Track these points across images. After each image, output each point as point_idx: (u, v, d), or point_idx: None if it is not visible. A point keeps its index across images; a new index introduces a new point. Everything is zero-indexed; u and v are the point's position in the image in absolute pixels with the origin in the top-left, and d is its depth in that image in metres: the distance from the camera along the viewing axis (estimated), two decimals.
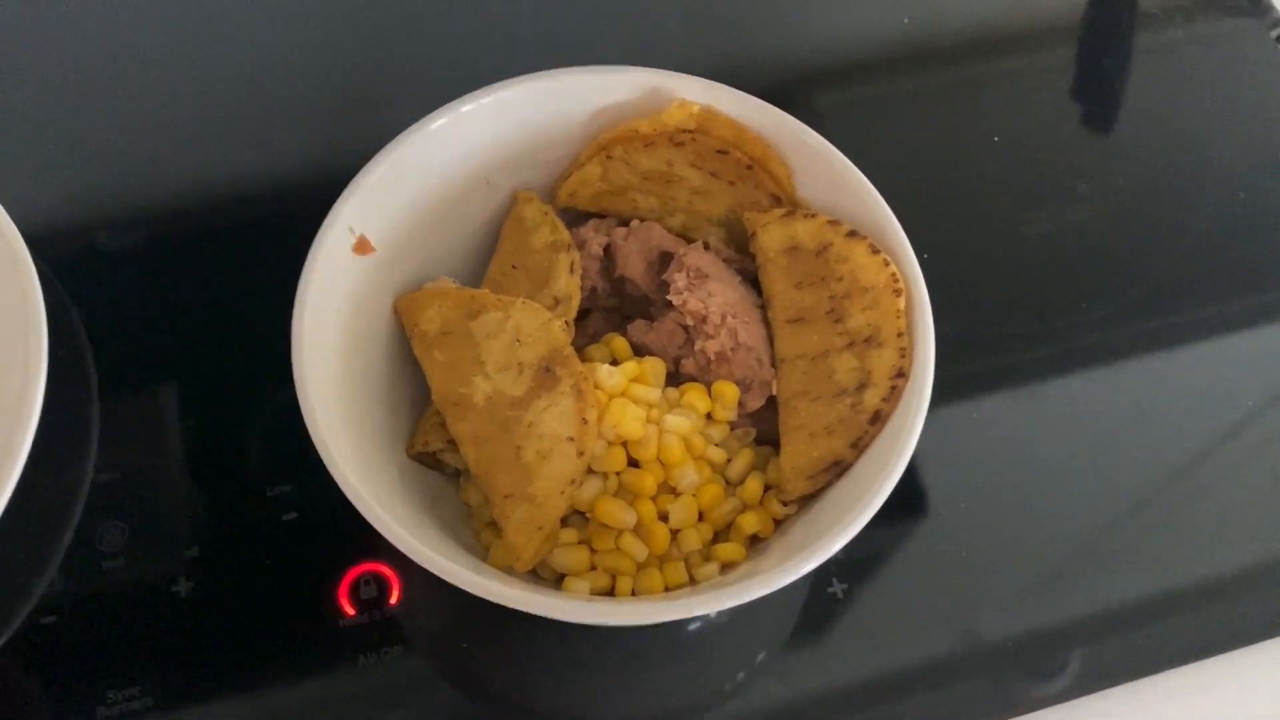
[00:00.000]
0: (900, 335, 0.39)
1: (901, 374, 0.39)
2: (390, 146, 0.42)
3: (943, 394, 0.39)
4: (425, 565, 0.35)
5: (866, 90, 0.60)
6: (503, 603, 0.35)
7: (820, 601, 0.45)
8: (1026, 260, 0.54)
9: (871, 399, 0.39)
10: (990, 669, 0.44)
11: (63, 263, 0.50)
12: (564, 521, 0.41)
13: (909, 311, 0.40)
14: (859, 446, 0.39)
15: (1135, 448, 0.49)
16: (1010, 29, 0.63)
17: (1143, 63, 0.63)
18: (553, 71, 0.44)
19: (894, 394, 0.39)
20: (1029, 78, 0.61)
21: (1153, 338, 0.53)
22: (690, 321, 0.42)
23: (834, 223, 0.42)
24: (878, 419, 0.39)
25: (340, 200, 0.41)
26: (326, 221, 0.41)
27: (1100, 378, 0.51)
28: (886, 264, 0.40)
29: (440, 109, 0.43)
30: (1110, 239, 0.55)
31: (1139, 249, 0.55)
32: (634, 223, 0.46)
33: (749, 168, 0.44)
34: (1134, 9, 0.65)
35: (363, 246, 0.42)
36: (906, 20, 0.62)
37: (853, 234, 0.41)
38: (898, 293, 0.40)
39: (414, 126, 0.42)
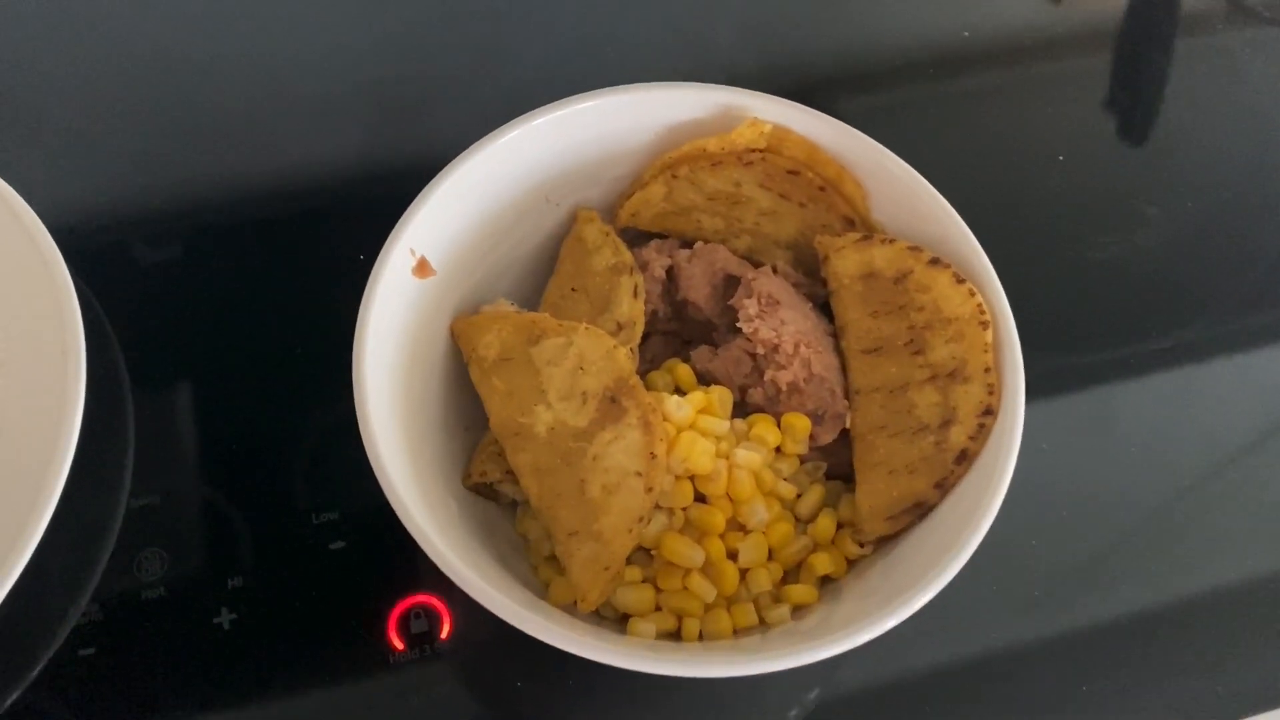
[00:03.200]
0: (988, 370, 0.38)
1: (990, 411, 0.37)
2: (453, 164, 0.40)
3: None
4: (492, 608, 0.34)
5: (925, 107, 0.58)
6: (574, 651, 0.33)
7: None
8: (1092, 285, 0.53)
9: (957, 437, 0.37)
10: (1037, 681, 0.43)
11: (98, 275, 0.48)
12: (628, 558, 0.39)
13: (996, 345, 0.38)
14: (943, 487, 0.37)
15: (1198, 474, 0.48)
16: (1076, 44, 0.61)
17: (1190, 74, 0.61)
18: (620, 88, 0.42)
19: (981, 432, 0.37)
20: (1094, 94, 0.59)
21: (1220, 366, 0.51)
22: (761, 350, 0.40)
23: (915, 249, 0.40)
24: (964, 458, 0.37)
25: (402, 221, 0.39)
26: (388, 243, 0.39)
27: (1164, 404, 0.50)
28: (972, 294, 0.38)
29: (505, 125, 0.41)
30: (1179, 264, 0.53)
31: (1208, 275, 0.53)
32: (698, 245, 0.44)
33: (821, 189, 0.43)
34: (1176, 17, 0.63)
35: (423, 269, 0.40)
36: (966, 34, 0.60)
37: (935, 261, 0.40)
38: (984, 325, 0.38)
39: (478, 143, 0.41)
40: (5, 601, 0.37)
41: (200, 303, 0.49)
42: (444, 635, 0.42)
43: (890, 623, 0.33)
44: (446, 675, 0.41)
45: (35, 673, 0.40)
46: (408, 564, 0.42)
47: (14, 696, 0.40)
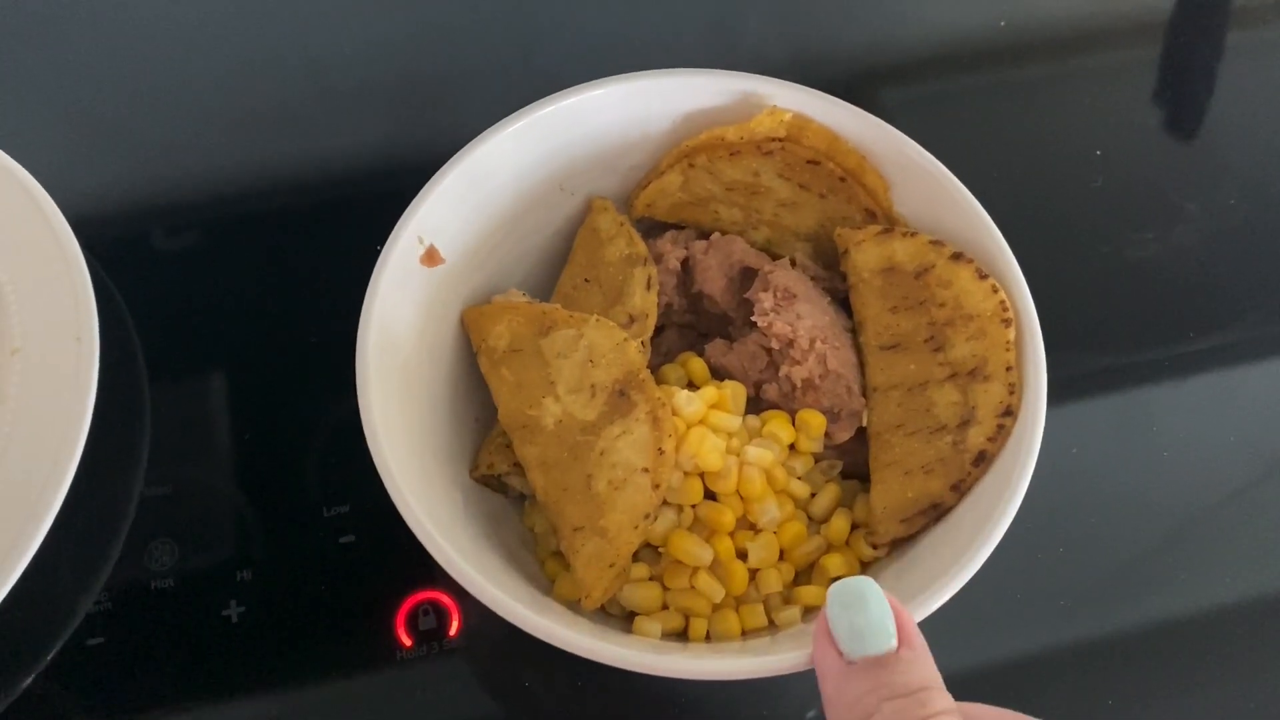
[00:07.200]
0: (1009, 369, 0.36)
1: (1010, 412, 0.36)
2: (464, 151, 0.40)
3: None
4: (492, 606, 0.33)
5: (958, 99, 0.57)
6: (573, 651, 0.32)
7: None
8: (1128, 283, 0.51)
9: (976, 438, 0.36)
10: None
11: (116, 262, 0.48)
12: (635, 555, 0.38)
13: (1018, 344, 0.37)
14: (960, 489, 0.36)
15: (1233, 483, 0.46)
16: (1117, 35, 0.59)
17: (1238, 67, 0.59)
18: (636, 74, 0.41)
19: (1001, 433, 0.36)
20: (1135, 87, 0.57)
21: (1261, 370, 0.49)
22: (775, 345, 0.39)
23: (936, 243, 0.39)
24: (982, 460, 0.36)
25: (410, 208, 0.39)
26: (395, 231, 0.38)
27: (1200, 409, 0.48)
28: (995, 290, 0.37)
29: (518, 111, 0.40)
30: (1219, 263, 0.51)
31: (1250, 274, 0.51)
32: (715, 236, 0.43)
33: (842, 180, 0.41)
34: (1227, 9, 0.61)
35: (431, 257, 0.39)
36: (1002, 24, 0.58)
37: (958, 256, 0.38)
38: (1007, 323, 0.37)
39: (490, 130, 0.40)
40: (15, 589, 0.37)
41: (219, 293, 0.49)
42: (453, 632, 0.41)
43: None
44: (455, 672, 0.41)
45: (44, 662, 0.40)
46: (418, 559, 0.41)
47: (23, 685, 0.39)
